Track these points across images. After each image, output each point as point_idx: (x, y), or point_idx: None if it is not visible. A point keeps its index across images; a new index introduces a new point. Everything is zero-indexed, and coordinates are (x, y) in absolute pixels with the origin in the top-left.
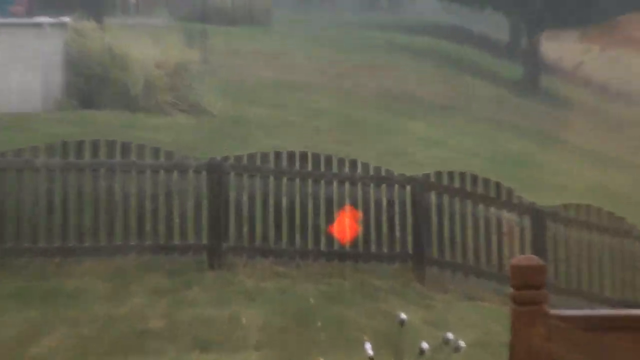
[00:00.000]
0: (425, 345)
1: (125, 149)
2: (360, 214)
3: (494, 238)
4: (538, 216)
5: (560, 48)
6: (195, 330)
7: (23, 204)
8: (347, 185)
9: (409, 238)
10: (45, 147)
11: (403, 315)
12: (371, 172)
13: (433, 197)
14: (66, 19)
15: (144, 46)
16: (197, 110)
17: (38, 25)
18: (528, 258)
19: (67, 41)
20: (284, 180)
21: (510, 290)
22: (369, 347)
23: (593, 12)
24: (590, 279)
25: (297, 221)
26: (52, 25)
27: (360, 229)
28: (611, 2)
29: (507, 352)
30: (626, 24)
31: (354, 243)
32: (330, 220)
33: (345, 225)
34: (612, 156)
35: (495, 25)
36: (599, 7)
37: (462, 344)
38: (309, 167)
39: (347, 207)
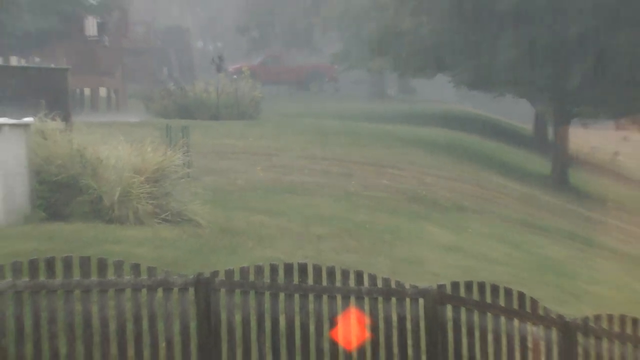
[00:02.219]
0: None
1: (102, 266)
2: (366, 321)
3: (518, 355)
4: (567, 329)
5: (592, 137)
6: None
7: None
8: (352, 300)
9: (423, 358)
10: (11, 266)
11: None
12: (379, 285)
13: (449, 311)
14: (29, 119)
15: (119, 148)
16: (180, 220)
17: None
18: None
19: (31, 145)
20: (282, 296)
21: None
22: None
23: (627, 101)
24: None
25: (297, 343)
26: (12, 126)
27: (367, 339)
28: None
29: None
30: None
31: (361, 354)
32: (324, 331)
33: (351, 330)
34: None
35: (517, 113)
36: (632, 95)
37: None
38: (310, 281)
39: (352, 311)
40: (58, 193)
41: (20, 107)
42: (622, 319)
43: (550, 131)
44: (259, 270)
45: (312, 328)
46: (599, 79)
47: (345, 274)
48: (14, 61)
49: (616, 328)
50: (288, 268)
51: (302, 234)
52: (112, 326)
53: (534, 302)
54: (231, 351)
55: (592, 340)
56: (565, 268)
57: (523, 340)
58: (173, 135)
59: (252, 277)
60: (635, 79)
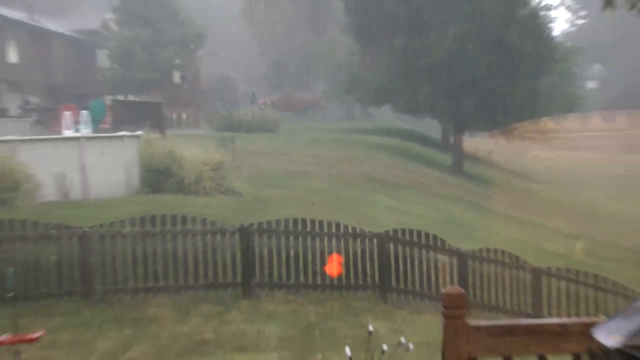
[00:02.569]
0: (385, 347)
1: (183, 220)
2: (342, 259)
3: (433, 273)
4: (462, 257)
5: (476, 142)
6: (235, 339)
7: (116, 260)
8: (334, 240)
9: (376, 274)
10: (129, 220)
11: (371, 327)
12: (350, 231)
13: (392, 246)
14: (139, 133)
15: (193, 150)
16: (230, 192)
17: (119, 137)
18: (454, 288)
19: (140, 148)
20: (291, 237)
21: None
22: (348, 350)
23: (497, 121)
24: (498, 298)
25: (301, 265)
26: (129, 137)
27: (343, 269)
28: (509, 114)
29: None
30: (520, 128)
31: (340, 278)
32: (323, 263)
33: (333, 266)
34: (517, 217)
35: (432, 127)
36: (501, 117)
37: (411, 345)
38: (308, 228)
39: (334, 255)
40: (157, 177)
41: (134, 126)
42: (496, 250)
43: (451, 139)
44: (278, 222)
45: (309, 256)
46: (479, 107)
47: (329, 224)
48: (130, 98)
49: (492, 256)
50: (295, 221)
51: (304, 200)
52: (190, 256)
53: (442, 241)
54: (261, 270)
55: (477, 264)
56: (464, 222)
57: (435, 264)
58: (225, 142)
59: (274, 226)
60: (499, 108)
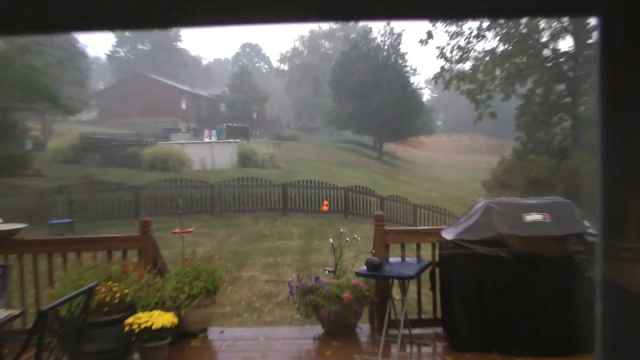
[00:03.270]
0: (347, 239)
1: (256, 179)
2: (327, 201)
3: (369, 205)
4: (382, 198)
5: (392, 147)
6: (278, 234)
7: (226, 196)
8: (324, 190)
9: (343, 206)
10: (232, 179)
11: (341, 229)
12: (331, 185)
13: (350, 193)
14: (237, 140)
15: (261, 148)
16: (277, 168)
17: (229, 142)
18: (379, 212)
19: (237, 147)
20: (304, 188)
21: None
22: (330, 239)
23: (397, 137)
24: (399, 218)
25: (309, 201)
26: (233, 142)
27: (328, 205)
28: (402, 134)
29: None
30: (409, 140)
31: (328, 209)
32: (319, 202)
33: (324, 205)
34: (407, 181)
35: (369, 140)
36: (399, 135)
37: (359, 238)
38: (312, 184)
39: (325, 201)
40: (244, 160)
41: (235, 137)
42: (397, 196)
43: (377, 145)
44: (300, 182)
45: (312, 197)
46: (389, 131)
47: (322, 183)
48: (234, 124)
49: (395, 198)
50: (306, 181)
51: (317, 171)
52: (259, 196)
53: (373, 191)
54: (291, 203)
55: (389, 202)
56: (383, 183)
57: (370, 201)
58: (276, 145)
59: (296, 183)
60: (398, 131)
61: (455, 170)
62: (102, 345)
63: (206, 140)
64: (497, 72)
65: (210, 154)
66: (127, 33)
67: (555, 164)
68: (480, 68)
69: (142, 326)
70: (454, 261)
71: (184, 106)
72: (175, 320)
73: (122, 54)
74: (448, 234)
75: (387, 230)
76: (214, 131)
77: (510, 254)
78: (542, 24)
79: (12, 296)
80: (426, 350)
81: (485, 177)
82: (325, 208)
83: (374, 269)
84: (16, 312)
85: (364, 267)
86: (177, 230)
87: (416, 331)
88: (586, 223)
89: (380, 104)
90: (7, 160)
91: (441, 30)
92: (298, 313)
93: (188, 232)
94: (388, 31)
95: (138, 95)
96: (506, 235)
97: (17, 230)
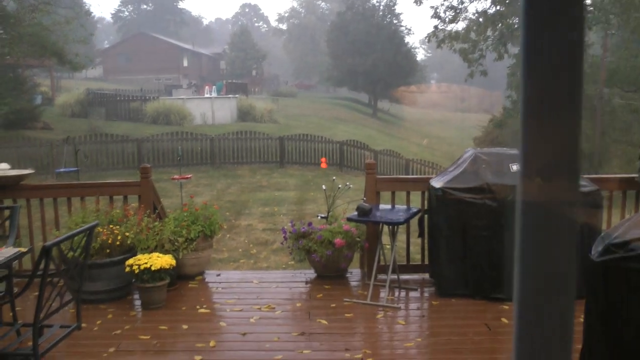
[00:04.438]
0: (339, 186)
1: (256, 134)
2: (325, 158)
3: (362, 158)
4: (375, 152)
5: (386, 104)
6: (275, 185)
7: (226, 148)
8: (319, 143)
9: (338, 159)
10: (232, 132)
11: (334, 178)
12: (326, 139)
13: (345, 147)
14: (236, 96)
15: (260, 103)
16: (275, 122)
17: (229, 97)
18: (371, 161)
19: (237, 102)
20: (301, 142)
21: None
22: (324, 186)
23: (389, 91)
24: (389, 172)
25: (305, 154)
26: (232, 97)
27: (326, 160)
28: (393, 87)
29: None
30: (407, 90)
31: (326, 164)
32: (317, 155)
33: (323, 161)
34: (397, 136)
35: (364, 97)
36: (392, 89)
37: (351, 185)
38: (308, 137)
39: (323, 158)
40: (243, 114)
41: (235, 93)
42: (390, 150)
43: (372, 101)
44: (297, 135)
45: (309, 150)
46: (383, 87)
47: (317, 137)
48: (233, 81)
49: (386, 152)
50: (302, 135)
51: (313, 126)
52: (256, 149)
53: (366, 145)
54: (288, 155)
55: (381, 155)
56: (375, 138)
57: (363, 154)
58: (274, 101)
59: (292, 136)
60: (395, 85)
61: (448, 126)
62: (103, 285)
63: (207, 96)
64: (489, 32)
65: (210, 109)
66: None
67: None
68: (474, 28)
69: (142, 267)
70: (442, 209)
71: (185, 64)
72: (173, 262)
73: (126, 13)
74: (437, 182)
75: (378, 178)
76: (214, 87)
77: (496, 202)
78: None
79: (21, 237)
80: (413, 294)
81: (477, 134)
82: (324, 165)
83: (365, 214)
84: (24, 249)
85: (355, 213)
86: (176, 176)
87: (404, 277)
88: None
89: (375, 63)
90: (18, 114)
91: None
92: (292, 259)
93: (186, 177)
94: None
95: (141, 53)
96: (492, 183)
97: (25, 176)
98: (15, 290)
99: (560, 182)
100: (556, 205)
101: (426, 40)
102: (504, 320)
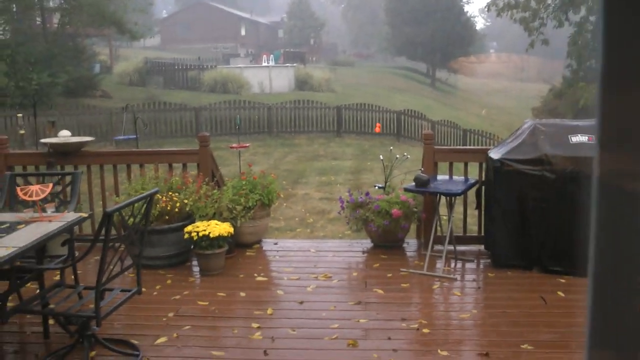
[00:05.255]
0: (397, 156)
1: (310, 102)
2: (380, 124)
3: (420, 128)
4: (433, 123)
5: (444, 74)
6: (332, 154)
7: (284, 117)
8: (375, 113)
9: (395, 129)
10: (289, 101)
11: (391, 148)
12: (382, 108)
13: (402, 117)
14: (294, 65)
15: (318, 72)
16: (333, 91)
17: (287, 66)
18: (428, 131)
19: (295, 71)
20: (358, 111)
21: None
22: (381, 156)
23: (449, 60)
24: (449, 142)
25: (362, 123)
26: (290, 66)
27: (381, 127)
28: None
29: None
30: (467, 60)
31: (381, 132)
32: (372, 124)
33: (377, 127)
34: (456, 107)
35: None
36: (443, 60)
37: (408, 156)
38: (365, 107)
39: (378, 124)
40: (301, 84)
41: (292, 62)
42: (447, 121)
43: (430, 72)
44: (352, 104)
45: (366, 120)
46: (442, 59)
47: (374, 106)
48: (290, 50)
49: (445, 123)
50: (359, 104)
51: (370, 96)
52: (314, 118)
53: (423, 115)
54: (345, 125)
55: (439, 126)
56: (434, 108)
57: (421, 124)
58: (332, 70)
59: (350, 105)
60: (454, 55)
61: (507, 97)
62: (163, 251)
63: (264, 64)
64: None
65: (268, 78)
66: None
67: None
68: None
69: (201, 234)
70: (500, 180)
71: (243, 32)
72: (231, 230)
73: None
74: (495, 154)
75: (436, 149)
76: (271, 56)
77: (554, 174)
78: None
79: (82, 203)
80: (469, 266)
81: (536, 104)
82: (378, 129)
83: (422, 185)
84: (85, 214)
85: (413, 184)
86: (234, 145)
87: (461, 248)
88: None
89: (434, 32)
90: (77, 82)
91: None
92: (349, 228)
93: (244, 146)
94: None
95: (199, 22)
96: (551, 155)
97: (86, 143)
98: (77, 254)
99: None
100: (634, 178)
101: (485, 9)
102: (560, 293)
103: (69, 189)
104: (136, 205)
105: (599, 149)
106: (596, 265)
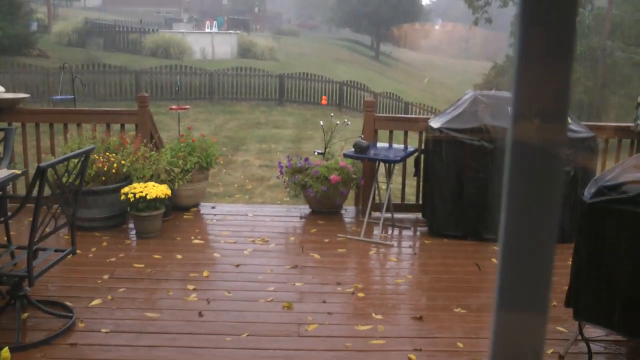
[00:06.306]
0: (337, 122)
1: (256, 71)
2: (326, 96)
3: (361, 99)
4: (374, 94)
5: (388, 47)
6: (273, 122)
7: (225, 84)
8: (318, 83)
9: (337, 99)
10: (231, 68)
11: (332, 114)
12: (325, 79)
13: (345, 87)
14: (237, 32)
15: (260, 41)
16: (276, 60)
17: (230, 33)
18: (369, 99)
19: (237, 38)
20: (301, 80)
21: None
22: (321, 122)
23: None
24: (392, 111)
25: (305, 92)
26: (233, 34)
27: (327, 98)
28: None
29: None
30: (411, 27)
31: (326, 101)
32: (317, 94)
33: (323, 99)
34: (395, 78)
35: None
36: (387, 33)
37: (349, 122)
38: (308, 76)
39: (324, 96)
40: (243, 51)
41: (236, 29)
42: (388, 93)
43: (374, 45)
44: (295, 73)
45: (309, 89)
46: (385, 28)
47: (317, 76)
48: (234, 17)
49: (384, 94)
50: (303, 73)
51: (313, 66)
52: (256, 86)
53: (365, 86)
54: (287, 93)
55: (381, 98)
56: (374, 79)
57: (363, 95)
58: (275, 39)
59: (292, 75)
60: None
61: (450, 73)
62: (99, 212)
63: (207, 30)
64: None
65: (210, 44)
66: None
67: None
68: None
69: (137, 196)
70: (439, 149)
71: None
72: (168, 192)
73: None
74: (435, 123)
75: (376, 116)
76: (215, 22)
77: (493, 144)
78: None
79: (17, 161)
80: (406, 233)
81: (478, 81)
82: (324, 102)
83: (361, 151)
84: (18, 171)
85: (352, 150)
86: (174, 107)
87: (398, 216)
88: (568, 119)
89: (379, 4)
90: (13, 39)
91: None
92: (287, 194)
93: (184, 109)
94: None
95: None
96: (491, 125)
97: (21, 99)
98: (9, 214)
99: (549, 124)
100: (544, 146)
101: None
102: (494, 260)
103: (1, 145)
104: (71, 163)
105: (513, 119)
106: (506, 231)
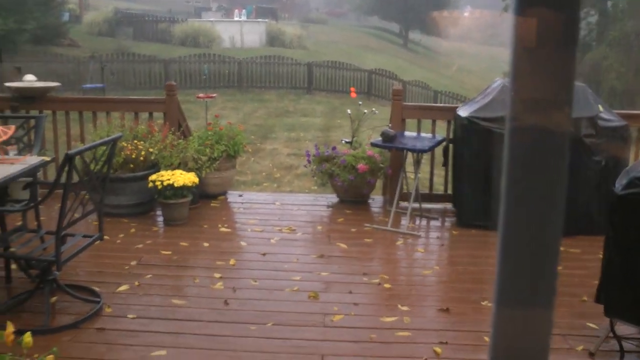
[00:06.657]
0: (365, 111)
1: (284, 60)
2: (354, 87)
3: (390, 87)
4: (403, 82)
5: (417, 35)
6: (302, 111)
7: (254, 72)
8: (346, 71)
9: (365, 86)
10: (259, 57)
11: (360, 102)
12: (355, 67)
13: (373, 76)
14: (266, 20)
15: (289, 29)
16: (305, 48)
17: (258, 21)
18: (397, 87)
19: (266, 27)
20: (329, 69)
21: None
22: (349, 111)
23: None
24: (420, 100)
25: (334, 80)
26: (262, 22)
27: (355, 90)
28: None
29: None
30: (439, 15)
31: (355, 93)
32: (346, 84)
33: (352, 91)
34: (428, 68)
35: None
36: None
37: (377, 111)
38: (337, 64)
39: (352, 88)
40: (272, 39)
41: (264, 17)
42: (418, 82)
43: (403, 33)
44: (324, 62)
45: (339, 79)
46: (416, 19)
47: (345, 64)
48: (262, 5)
49: (414, 83)
50: (331, 61)
51: (342, 54)
52: (284, 74)
53: (394, 74)
54: (316, 81)
55: (409, 86)
56: (404, 68)
57: (392, 83)
58: (304, 27)
59: (321, 63)
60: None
61: (479, 60)
62: (126, 199)
63: (236, 19)
64: None
65: (239, 33)
66: None
67: (578, 58)
68: None
69: (165, 183)
70: (467, 138)
71: None
72: (196, 180)
73: None
74: (463, 111)
75: (404, 105)
76: (244, 11)
77: None
78: None
79: (47, 148)
80: (434, 223)
81: (507, 68)
82: (353, 95)
83: (389, 140)
84: (48, 158)
85: (380, 139)
86: (201, 94)
87: (426, 206)
88: (600, 107)
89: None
90: (45, 29)
91: None
92: (315, 183)
93: (211, 97)
94: None
95: None
96: None
97: (51, 88)
98: (39, 199)
99: (552, 112)
100: (547, 134)
101: None
102: None
103: (33, 133)
104: (99, 150)
105: (510, 105)
106: (505, 223)
